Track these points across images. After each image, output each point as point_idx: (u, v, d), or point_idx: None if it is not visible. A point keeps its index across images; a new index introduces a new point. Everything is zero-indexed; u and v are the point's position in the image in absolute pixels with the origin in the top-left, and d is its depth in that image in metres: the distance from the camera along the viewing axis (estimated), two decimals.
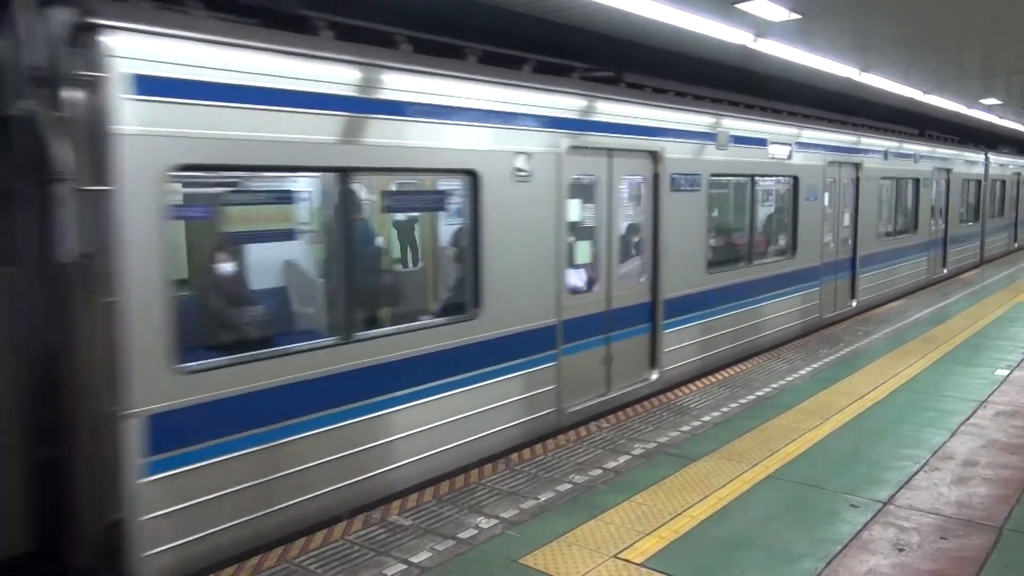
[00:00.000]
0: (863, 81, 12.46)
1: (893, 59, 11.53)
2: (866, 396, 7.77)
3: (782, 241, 11.35)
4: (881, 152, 13.87)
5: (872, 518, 4.96)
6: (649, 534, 4.79)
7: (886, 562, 4.40)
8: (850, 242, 12.95)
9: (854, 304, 13.09)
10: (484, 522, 4.99)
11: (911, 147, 15.47)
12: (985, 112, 18.89)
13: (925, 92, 14.63)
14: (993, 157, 21.55)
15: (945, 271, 17.97)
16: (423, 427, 5.82)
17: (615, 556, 4.51)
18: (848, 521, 4.93)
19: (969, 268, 19.63)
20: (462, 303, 6.32)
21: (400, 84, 5.54)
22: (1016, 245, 25.86)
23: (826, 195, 11.88)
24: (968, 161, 19.34)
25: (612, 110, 7.51)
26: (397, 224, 6.96)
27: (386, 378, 5.54)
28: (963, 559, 4.44)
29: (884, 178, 14.17)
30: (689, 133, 8.55)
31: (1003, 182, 23.21)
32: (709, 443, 6.43)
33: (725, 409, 7.40)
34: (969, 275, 18.26)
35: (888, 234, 14.84)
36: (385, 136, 5.45)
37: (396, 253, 7.06)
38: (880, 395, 7.81)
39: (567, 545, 4.66)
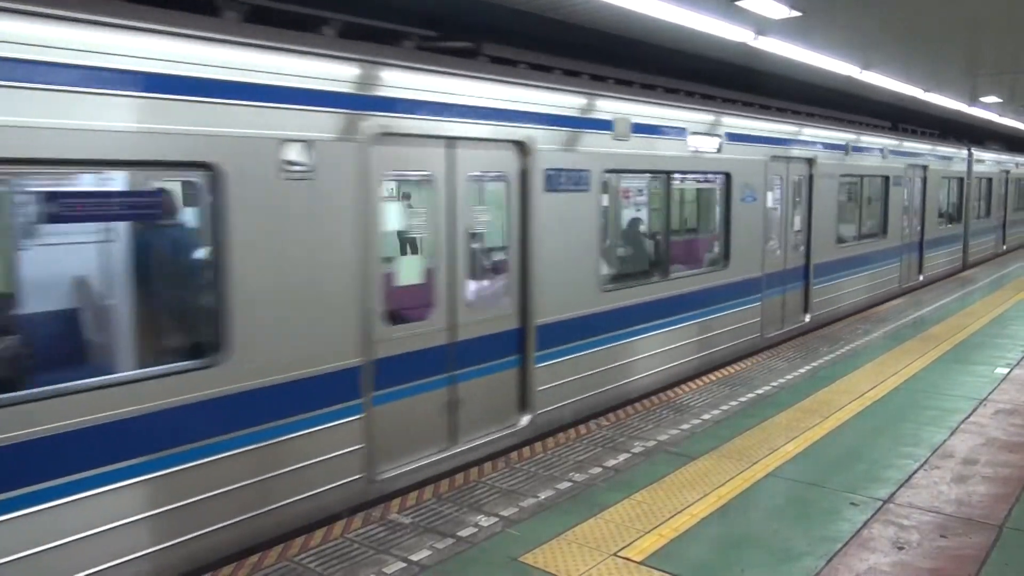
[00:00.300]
0: (863, 79, 12.45)
1: (893, 57, 11.52)
2: (866, 394, 7.77)
3: (711, 249, 9.96)
4: (840, 146, 12.32)
5: (872, 516, 4.96)
6: (649, 532, 4.78)
7: (886, 560, 4.40)
8: (802, 249, 11.49)
9: (807, 319, 11.61)
10: (484, 520, 4.99)
11: (879, 141, 13.95)
12: (985, 110, 18.85)
13: (925, 90, 14.63)
14: (977, 153, 19.92)
15: (921, 278, 16.52)
16: (123, 520, 4.19)
17: (615, 554, 4.51)
18: (848, 519, 4.93)
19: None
20: (197, 344, 4.71)
21: (60, 39, 3.88)
22: (1004, 248, 23.98)
23: (769, 195, 10.36)
24: (948, 157, 17.75)
25: (452, 88, 5.88)
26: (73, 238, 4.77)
27: (54, 455, 3.93)
28: (963, 557, 4.44)
29: (845, 176, 12.68)
30: (572, 119, 7.00)
31: (989, 180, 21.58)
32: (709, 441, 6.43)
33: (725, 407, 7.40)
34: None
35: (851, 238, 13.38)
36: (36, 112, 3.81)
37: (75, 278, 5.02)
38: (880, 393, 7.81)
39: (567, 543, 4.66)
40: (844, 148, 12.45)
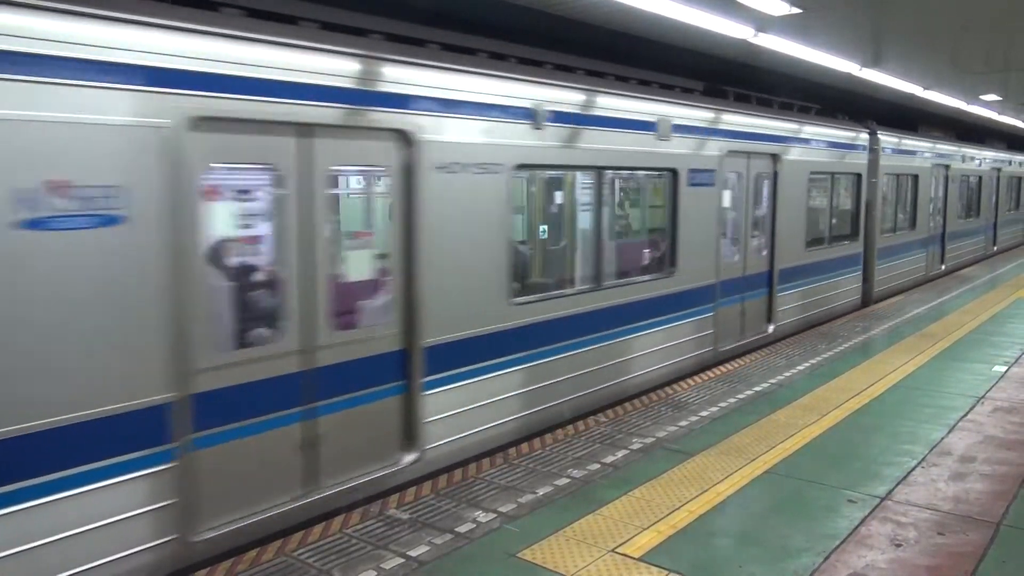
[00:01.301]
0: (863, 77, 12.44)
1: (893, 55, 11.51)
2: (864, 392, 7.78)
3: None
4: (522, 112, 6.53)
5: (870, 513, 4.97)
6: (647, 528, 4.79)
7: (883, 557, 4.41)
8: (392, 330, 5.61)
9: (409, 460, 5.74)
10: (482, 516, 4.99)
11: (650, 108, 8.10)
12: (985, 108, 18.80)
13: (925, 88, 14.62)
14: (887, 138, 14.00)
15: (771, 329, 10.72)
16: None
17: (613, 550, 4.52)
18: (846, 516, 4.94)
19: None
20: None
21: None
22: (944, 268, 17.77)
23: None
24: (827, 143, 11.99)
25: None
26: None
27: None
28: (960, 555, 4.45)
29: (543, 167, 7.39)
30: None
31: (915, 178, 15.56)
32: (707, 438, 6.44)
33: (723, 404, 7.40)
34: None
35: (576, 285, 7.70)
36: None
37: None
38: (878, 391, 7.82)
39: (565, 539, 4.66)
40: (532, 115, 6.60)
